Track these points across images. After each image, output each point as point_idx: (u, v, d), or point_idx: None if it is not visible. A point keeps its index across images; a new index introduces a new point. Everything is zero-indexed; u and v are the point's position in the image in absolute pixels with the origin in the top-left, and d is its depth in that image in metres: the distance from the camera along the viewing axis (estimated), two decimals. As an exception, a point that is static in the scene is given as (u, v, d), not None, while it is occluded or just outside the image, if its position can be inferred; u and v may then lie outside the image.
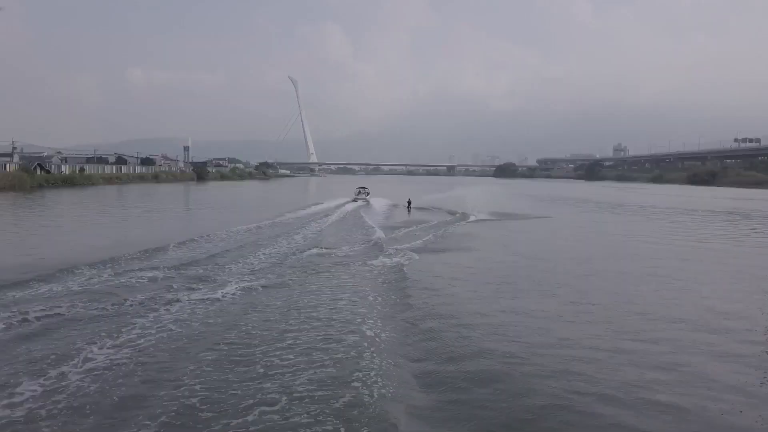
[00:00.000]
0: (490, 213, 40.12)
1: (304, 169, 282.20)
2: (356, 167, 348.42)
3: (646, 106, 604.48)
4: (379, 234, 26.69)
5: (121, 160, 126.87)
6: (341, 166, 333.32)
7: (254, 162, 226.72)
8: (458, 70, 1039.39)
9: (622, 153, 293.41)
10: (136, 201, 58.25)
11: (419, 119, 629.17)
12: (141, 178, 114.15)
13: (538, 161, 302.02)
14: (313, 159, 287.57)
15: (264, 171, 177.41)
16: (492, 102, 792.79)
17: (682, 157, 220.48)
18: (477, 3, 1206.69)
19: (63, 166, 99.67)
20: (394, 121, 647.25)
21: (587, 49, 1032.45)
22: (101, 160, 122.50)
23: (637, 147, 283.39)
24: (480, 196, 70.69)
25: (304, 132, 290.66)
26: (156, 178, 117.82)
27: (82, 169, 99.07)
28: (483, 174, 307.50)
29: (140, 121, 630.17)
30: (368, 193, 54.44)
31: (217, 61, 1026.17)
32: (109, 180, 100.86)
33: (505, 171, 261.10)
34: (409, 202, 45.37)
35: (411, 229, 29.60)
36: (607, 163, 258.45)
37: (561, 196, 74.82)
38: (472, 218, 36.06)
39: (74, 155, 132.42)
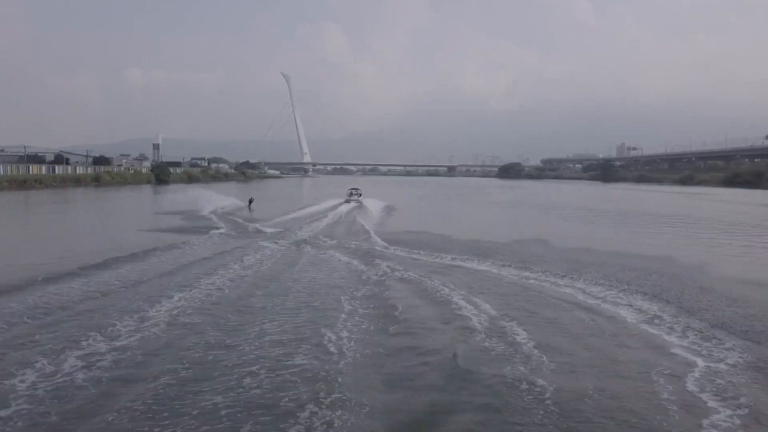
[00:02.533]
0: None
1: (297, 169, 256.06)
2: (353, 167, 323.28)
3: (649, 105, 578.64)
4: None
5: (60, 159, 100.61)
6: (338, 166, 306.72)
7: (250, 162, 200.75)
8: (458, 70, 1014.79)
9: (628, 152, 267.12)
10: None
11: (419, 119, 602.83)
12: (76, 181, 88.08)
13: (543, 161, 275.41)
14: (307, 159, 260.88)
15: (243, 172, 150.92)
16: (492, 102, 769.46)
17: (704, 156, 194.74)
18: (477, 3, 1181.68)
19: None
20: (394, 122, 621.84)
21: (587, 48, 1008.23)
22: (33, 159, 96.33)
23: (642, 147, 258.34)
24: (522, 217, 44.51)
25: (297, 130, 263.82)
26: (97, 180, 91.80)
27: (-20, 170, 73.14)
28: (485, 174, 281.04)
29: (142, 120, 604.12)
30: (360, 195, 51.01)
31: (216, 61, 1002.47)
32: (22, 183, 74.88)
33: (510, 171, 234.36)
34: None
35: None
36: (617, 163, 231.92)
37: (623, 210, 48.50)
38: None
39: (10, 154, 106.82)
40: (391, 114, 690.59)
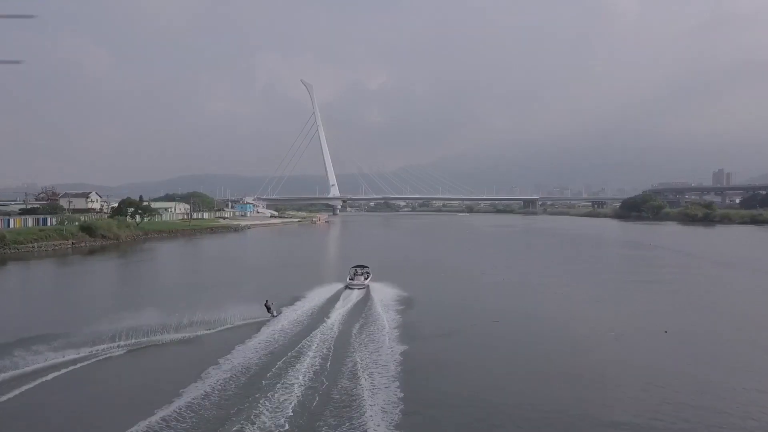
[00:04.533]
0: None
1: (316, 206, 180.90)
2: (401, 202, 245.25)
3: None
4: None
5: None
6: (380, 200, 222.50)
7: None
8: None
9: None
10: None
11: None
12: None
13: (655, 190, 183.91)
14: (335, 192, 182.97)
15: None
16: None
17: None
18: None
19: None
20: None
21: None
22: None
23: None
24: None
25: (323, 154, 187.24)
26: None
27: None
28: (576, 213, 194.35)
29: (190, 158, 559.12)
30: (369, 276, 32.53)
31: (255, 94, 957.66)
32: None
33: (638, 207, 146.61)
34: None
35: None
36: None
37: None
38: None
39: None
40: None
